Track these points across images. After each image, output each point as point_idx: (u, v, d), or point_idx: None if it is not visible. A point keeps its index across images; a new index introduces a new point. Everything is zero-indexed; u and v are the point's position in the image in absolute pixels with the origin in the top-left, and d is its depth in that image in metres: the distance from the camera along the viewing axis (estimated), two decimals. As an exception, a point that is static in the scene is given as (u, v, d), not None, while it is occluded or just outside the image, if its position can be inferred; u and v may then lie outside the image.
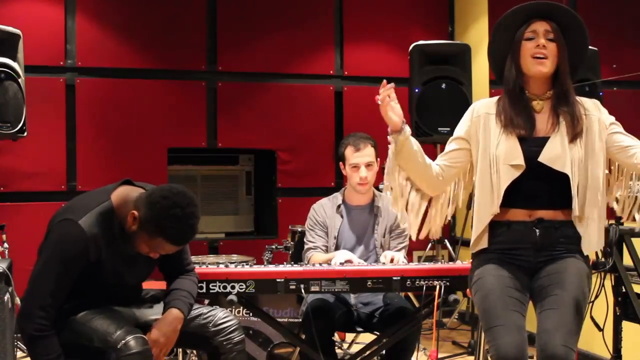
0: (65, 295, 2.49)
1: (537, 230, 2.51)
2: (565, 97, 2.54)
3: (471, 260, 2.66)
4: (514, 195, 2.51)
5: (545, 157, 2.49)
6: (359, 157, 3.41)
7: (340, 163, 3.53)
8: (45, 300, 2.43)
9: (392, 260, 3.19)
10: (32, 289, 2.47)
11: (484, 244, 2.58)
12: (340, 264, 3.11)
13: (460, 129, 2.68)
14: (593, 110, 2.57)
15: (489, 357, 2.43)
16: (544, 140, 2.51)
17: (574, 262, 2.50)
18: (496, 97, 2.66)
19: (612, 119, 2.58)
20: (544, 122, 2.54)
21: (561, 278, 2.45)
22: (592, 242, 2.52)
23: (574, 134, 2.49)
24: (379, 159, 3.50)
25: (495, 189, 2.52)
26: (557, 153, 2.48)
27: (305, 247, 3.50)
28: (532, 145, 2.51)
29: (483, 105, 2.66)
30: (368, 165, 3.42)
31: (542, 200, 2.51)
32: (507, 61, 2.59)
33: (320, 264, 3.12)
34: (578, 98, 2.59)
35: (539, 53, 2.50)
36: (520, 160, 2.49)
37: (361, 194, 3.49)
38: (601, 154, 2.52)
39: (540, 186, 2.51)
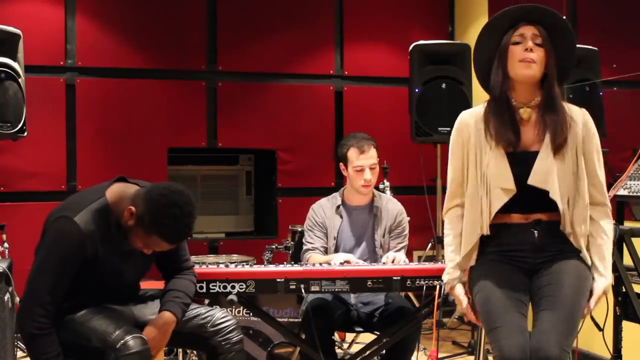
0: (64, 292, 2.49)
1: (535, 232, 2.50)
2: (552, 104, 2.51)
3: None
4: (510, 203, 2.49)
5: (535, 179, 2.46)
6: (363, 160, 3.40)
7: (341, 164, 3.51)
8: (44, 299, 2.43)
9: (393, 261, 3.19)
10: (30, 287, 2.47)
11: (472, 262, 2.58)
12: (340, 264, 3.10)
13: (454, 154, 2.63)
14: (579, 121, 2.53)
15: (489, 358, 2.43)
16: (532, 156, 2.48)
17: (573, 262, 2.49)
18: (481, 107, 2.61)
19: (597, 145, 2.55)
20: (531, 133, 2.52)
21: (559, 279, 2.44)
22: (586, 256, 2.52)
23: (559, 144, 2.46)
24: (379, 159, 3.50)
25: (485, 211, 2.50)
26: (546, 172, 2.45)
27: (304, 248, 3.50)
28: (521, 163, 2.47)
29: (470, 118, 2.61)
30: (372, 167, 3.42)
31: (537, 206, 2.50)
32: (494, 66, 2.54)
33: (320, 264, 3.12)
34: (567, 105, 2.55)
35: (527, 57, 2.46)
36: (510, 184, 2.47)
37: (363, 195, 3.48)
38: (582, 164, 2.51)
39: (533, 198, 2.49)
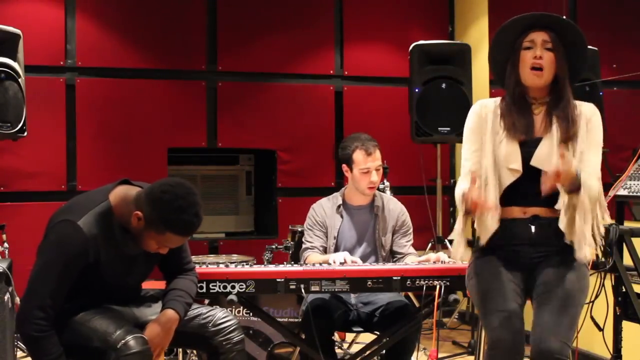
0: (65, 295, 2.49)
1: (532, 227, 2.55)
2: (562, 103, 2.58)
3: (470, 260, 2.67)
4: (511, 195, 2.55)
5: (536, 159, 2.53)
6: (371, 162, 3.40)
7: (344, 165, 3.50)
8: (44, 301, 2.42)
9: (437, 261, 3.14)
10: (31, 289, 2.46)
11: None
12: (341, 263, 3.10)
13: (472, 127, 2.67)
14: (590, 113, 2.60)
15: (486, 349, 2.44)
16: (537, 142, 2.55)
17: (571, 260, 2.51)
18: (498, 98, 2.69)
19: (599, 139, 2.57)
20: (539, 123, 2.59)
21: (558, 274, 2.47)
22: (582, 245, 2.48)
23: (565, 137, 2.52)
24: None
25: (495, 190, 2.55)
26: (547, 155, 2.51)
27: (303, 247, 3.49)
28: (528, 147, 2.55)
29: (489, 104, 2.68)
30: (377, 169, 3.43)
31: (537, 199, 2.53)
32: (507, 68, 2.64)
33: (320, 264, 3.12)
34: (578, 103, 2.62)
35: (536, 63, 2.54)
36: (517, 164, 2.53)
37: (367, 196, 3.49)
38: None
39: (535, 186, 2.52)
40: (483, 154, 2.61)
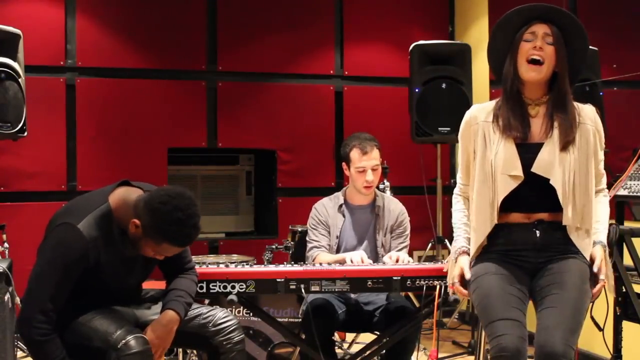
0: (65, 298, 2.49)
1: (537, 232, 2.52)
2: (562, 102, 2.53)
3: (471, 265, 2.66)
4: (512, 202, 2.52)
5: (538, 166, 2.49)
6: (365, 162, 3.40)
7: (343, 163, 3.51)
8: (45, 305, 2.42)
9: (397, 261, 3.17)
10: (32, 293, 2.46)
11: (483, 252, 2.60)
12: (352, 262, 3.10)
13: (464, 143, 2.67)
14: (589, 119, 2.57)
15: (489, 357, 2.43)
16: (538, 147, 2.51)
17: (575, 262, 2.50)
18: (493, 101, 2.66)
19: (602, 142, 2.60)
20: (538, 127, 2.55)
21: (562, 277, 2.45)
22: (587, 251, 2.53)
23: (566, 141, 2.49)
24: (381, 160, 3.50)
25: (493, 200, 2.52)
26: (549, 162, 2.48)
27: (309, 246, 3.49)
28: (527, 152, 2.51)
29: (480, 112, 2.65)
30: (374, 169, 3.42)
31: (540, 205, 2.52)
32: (506, 61, 2.58)
33: (321, 264, 3.12)
34: (576, 104, 2.58)
35: (535, 55, 2.49)
36: (518, 171, 2.49)
37: (365, 195, 3.49)
38: (592, 161, 2.54)
39: (537, 192, 2.51)
40: (476, 160, 2.60)
